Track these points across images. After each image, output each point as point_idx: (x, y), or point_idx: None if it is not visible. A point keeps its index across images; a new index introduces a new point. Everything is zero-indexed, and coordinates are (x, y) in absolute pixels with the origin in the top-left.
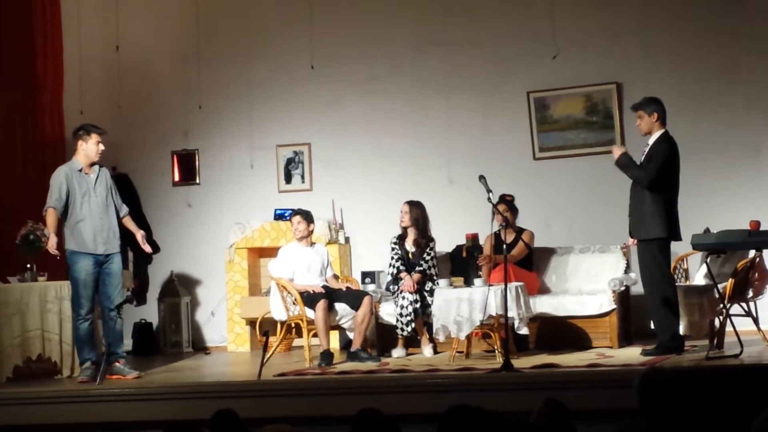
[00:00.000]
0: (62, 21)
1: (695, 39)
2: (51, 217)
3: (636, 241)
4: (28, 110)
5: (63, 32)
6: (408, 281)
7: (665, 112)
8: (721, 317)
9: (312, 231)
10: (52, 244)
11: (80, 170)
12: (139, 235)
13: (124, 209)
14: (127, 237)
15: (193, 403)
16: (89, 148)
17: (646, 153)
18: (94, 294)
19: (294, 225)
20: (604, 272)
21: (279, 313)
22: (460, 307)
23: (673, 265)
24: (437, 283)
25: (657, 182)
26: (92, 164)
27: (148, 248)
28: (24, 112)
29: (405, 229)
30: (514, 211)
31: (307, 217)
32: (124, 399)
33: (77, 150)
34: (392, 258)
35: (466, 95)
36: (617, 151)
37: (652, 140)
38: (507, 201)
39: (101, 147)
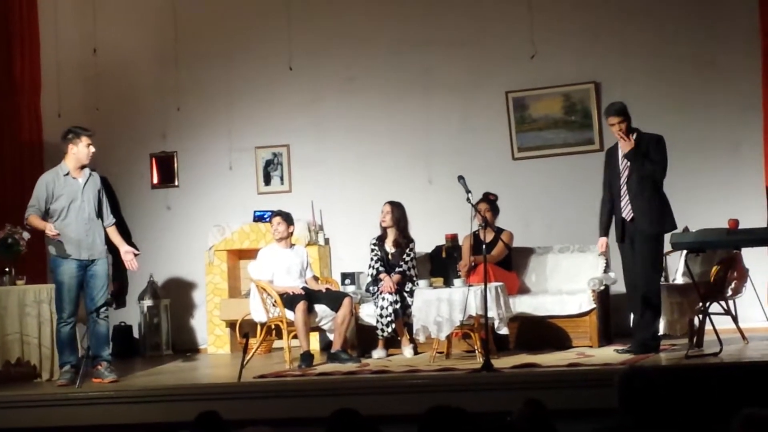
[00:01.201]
0: (39, 24)
1: (673, 38)
2: (36, 221)
3: (606, 243)
4: (6, 113)
5: (40, 35)
6: (387, 282)
7: None
8: (700, 316)
9: (292, 233)
10: (50, 231)
11: (67, 174)
12: (123, 249)
13: (110, 219)
14: (108, 242)
15: (174, 405)
16: (80, 151)
17: (633, 152)
18: (78, 298)
19: (274, 226)
20: (584, 272)
21: (259, 315)
22: (440, 307)
23: None
24: (417, 283)
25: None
26: (82, 167)
27: (134, 265)
28: (1, 115)
29: (385, 229)
30: (495, 210)
31: (287, 218)
32: (104, 402)
33: (67, 154)
34: (372, 259)
35: (444, 95)
36: (628, 146)
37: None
38: (490, 200)
39: (92, 149)
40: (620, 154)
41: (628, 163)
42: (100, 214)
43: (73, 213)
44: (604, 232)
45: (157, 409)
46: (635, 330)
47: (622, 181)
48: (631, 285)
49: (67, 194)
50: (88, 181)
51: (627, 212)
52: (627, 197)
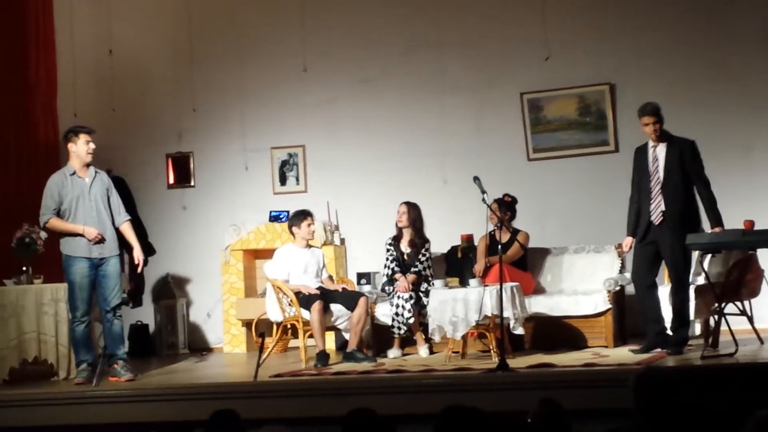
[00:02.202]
0: (55, 24)
1: (687, 39)
2: (58, 223)
3: (631, 243)
4: (22, 113)
5: (56, 35)
6: (402, 282)
7: None
8: (715, 316)
9: None
10: (92, 234)
11: (73, 174)
12: (137, 249)
13: (123, 216)
14: (123, 240)
15: (190, 404)
16: (79, 149)
17: (664, 156)
18: (91, 296)
19: (310, 227)
20: (599, 272)
21: (275, 315)
22: (456, 307)
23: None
24: (432, 284)
25: None
26: (88, 166)
27: (139, 266)
28: (17, 114)
29: (401, 229)
30: (510, 211)
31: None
32: (120, 400)
33: (69, 154)
34: (387, 259)
35: (459, 96)
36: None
37: (665, 142)
38: (506, 202)
39: (92, 146)
40: (651, 155)
41: (659, 165)
42: (110, 213)
43: (81, 212)
44: (632, 232)
45: (173, 407)
46: (649, 328)
47: (653, 183)
48: (641, 285)
49: (74, 194)
50: (94, 180)
51: (656, 215)
52: (656, 200)
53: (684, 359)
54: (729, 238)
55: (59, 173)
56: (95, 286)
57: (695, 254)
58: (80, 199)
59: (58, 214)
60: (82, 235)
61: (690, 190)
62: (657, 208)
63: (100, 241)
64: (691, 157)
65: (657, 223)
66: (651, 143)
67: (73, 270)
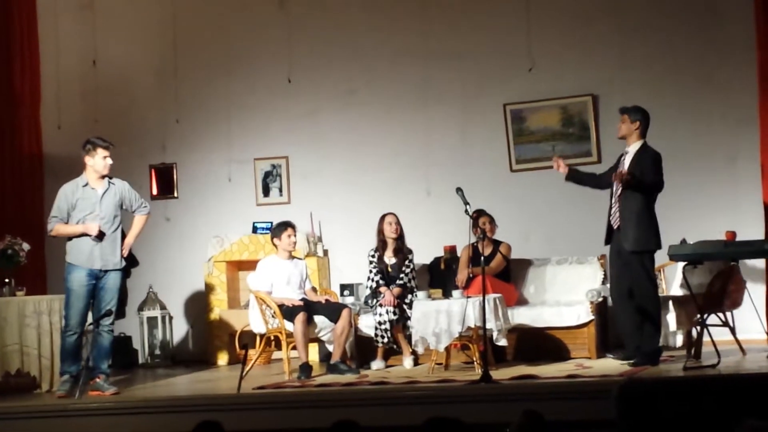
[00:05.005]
0: (39, 36)
1: (671, 51)
2: (62, 227)
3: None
4: (6, 125)
5: (40, 47)
6: (388, 296)
7: (648, 125)
8: (698, 327)
9: None
10: (93, 228)
11: (86, 185)
12: (129, 237)
13: (141, 210)
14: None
15: (172, 417)
16: (96, 162)
17: (629, 161)
18: (87, 309)
19: (290, 238)
20: (582, 283)
21: (258, 326)
22: (439, 318)
23: None
24: (416, 295)
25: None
26: (103, 177)
27: (125, 251)
28: (1, 126)
29: (384, 241)
30: (492, 223)
31: (295, 229)
32: (104, 413)
33: (85, 165)
34: (371, 272)
35: (443, 108)
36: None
37: (633, 149)
38: (490, 217)
39: (108, 161)
40: (621, 160)
41: (623, 171)
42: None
43: (88, 223)
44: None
45: (156, 420)
46: (626, 340)
47: (614, 188)
48: (615, 293)
49: (84, 205)
50: (107, 191)
51: (615, 220)
52: (617, 205)
53: (666, 370)
54: (711, 248)
55: (72, 183)
56: (93, 297)
57: (679, 265)
58: (90, 212)
59: (67, 223)
60: (85, 235)
61: (645, 202)
62: (617, 212)
63: (100, 237)
64: (649, 163)
65: (616, 227)
66: (626, 148)
67: (71, 278)
